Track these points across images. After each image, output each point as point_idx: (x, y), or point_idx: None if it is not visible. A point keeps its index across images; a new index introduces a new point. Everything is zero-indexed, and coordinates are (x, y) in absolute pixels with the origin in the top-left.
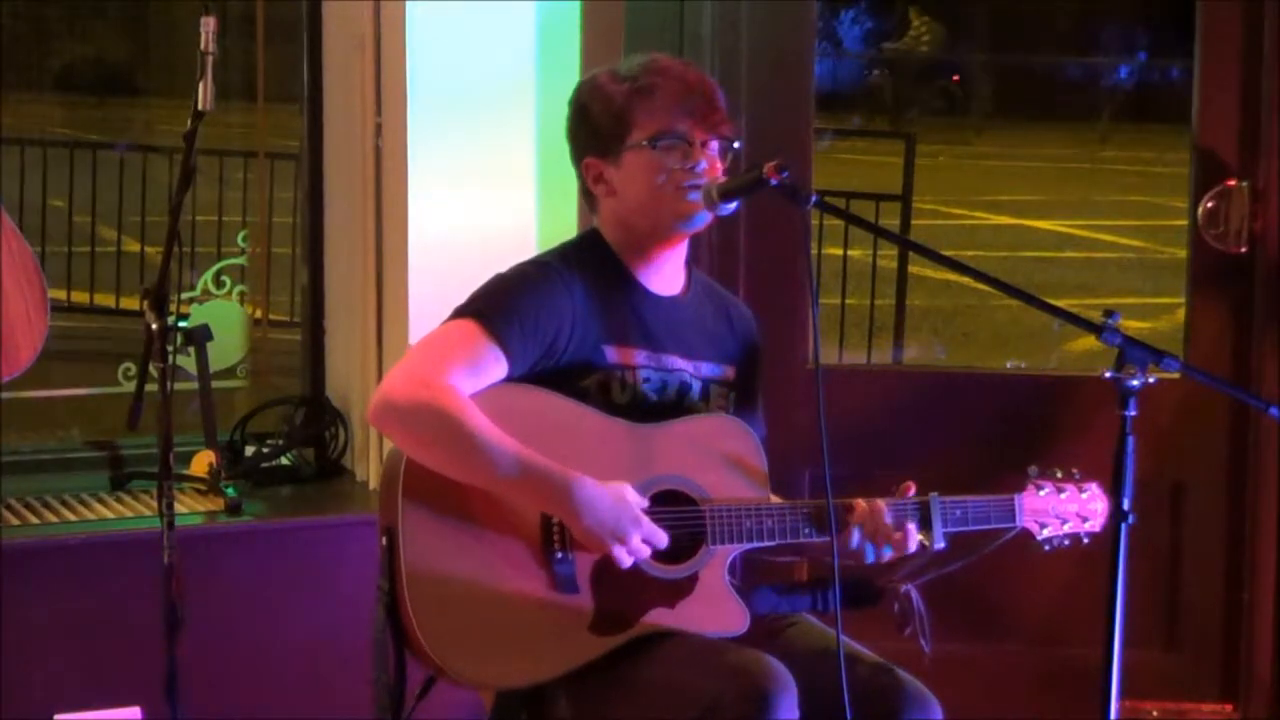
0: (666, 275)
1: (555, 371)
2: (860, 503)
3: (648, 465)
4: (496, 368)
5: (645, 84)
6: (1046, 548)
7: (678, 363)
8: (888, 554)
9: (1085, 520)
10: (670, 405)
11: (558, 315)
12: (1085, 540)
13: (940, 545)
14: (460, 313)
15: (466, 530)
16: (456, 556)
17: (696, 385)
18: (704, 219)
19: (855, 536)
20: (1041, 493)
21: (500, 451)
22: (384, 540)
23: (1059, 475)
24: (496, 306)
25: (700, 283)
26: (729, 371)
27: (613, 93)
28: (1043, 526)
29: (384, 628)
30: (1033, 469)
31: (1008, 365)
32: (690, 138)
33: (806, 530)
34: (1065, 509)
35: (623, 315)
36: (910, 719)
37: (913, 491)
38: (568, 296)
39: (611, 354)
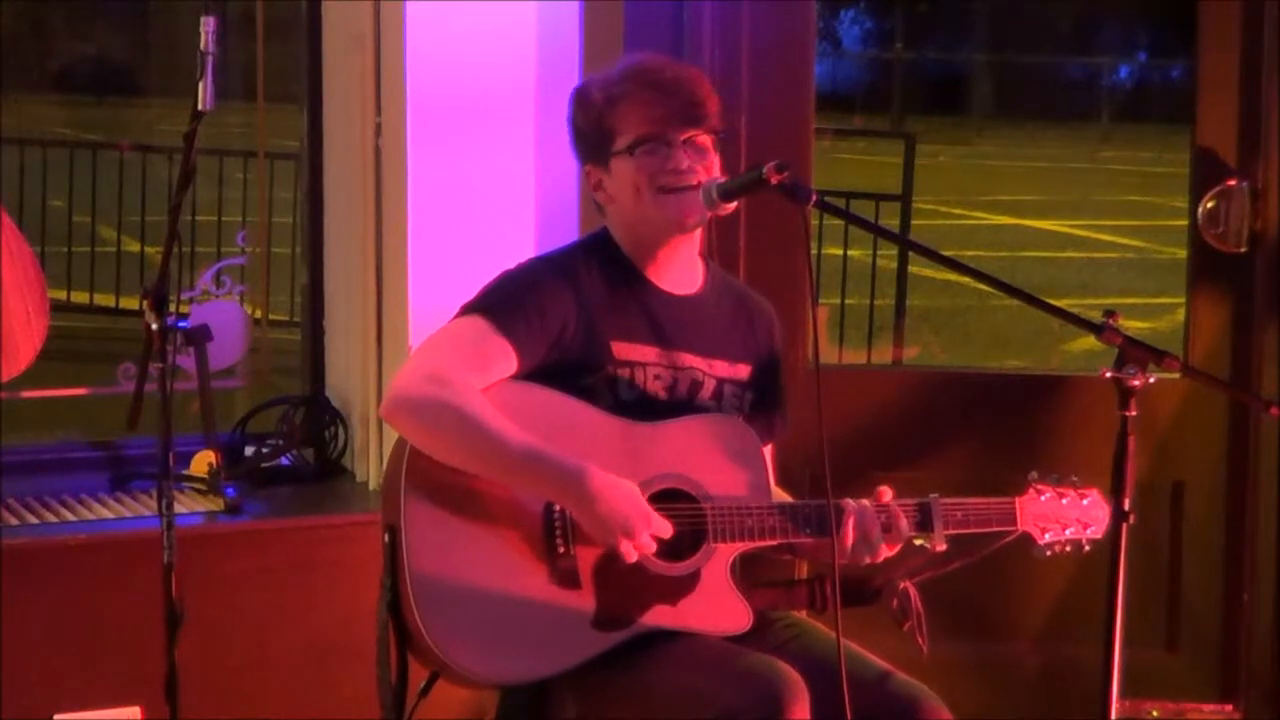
0: (678, 273)
1: (563, 366)
2: (850, 503)
3: (647, 463)
4: (505, 362)
5: (617, 92)
6: (1048, 553)
7: (690, 360)
8: (879, 553)
9: (1087, 527)
10: (681, 404)
11: (563, 308)
12: (1086, 547)
13: (941, 547)
14: (468, 309)
15: (468, 527)
16: (458, 553)
17: (710, 384)
18: (696, 215)
19: (849, 537)
20: (1043, 497)
21: (511, 443)
22: (386, 538)
23: (1058, 480)
24: (504, 301)
25: (719, 280)
26: (745, 370)
27: (593, 103)
28: (1044, 531)
29: (386, 625)
30: (1033, 474)
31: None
32: (668, 139)
33: (807, 530)
34: (1066, 514)
35: (632, 312)
36: None
37: (888, 496)
38: (573, 289)
39: (620, 350)
